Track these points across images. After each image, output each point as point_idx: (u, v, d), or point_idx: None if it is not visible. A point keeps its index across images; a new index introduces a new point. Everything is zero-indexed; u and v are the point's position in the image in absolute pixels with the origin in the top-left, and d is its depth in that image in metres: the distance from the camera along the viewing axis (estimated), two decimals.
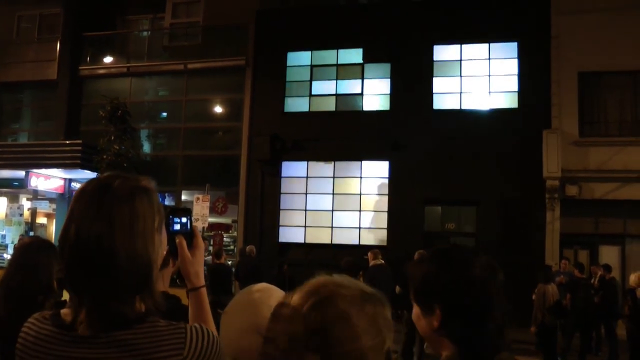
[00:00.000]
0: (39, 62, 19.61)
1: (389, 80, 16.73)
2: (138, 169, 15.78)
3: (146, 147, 19.29)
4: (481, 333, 1.52)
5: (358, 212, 16.54)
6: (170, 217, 1.58)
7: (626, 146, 14.49)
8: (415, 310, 1.61)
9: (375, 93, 16.91)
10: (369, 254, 10.14)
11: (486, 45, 16.07)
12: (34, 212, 18.46)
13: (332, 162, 16.81)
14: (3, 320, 2.44)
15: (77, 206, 1.32)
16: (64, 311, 1.33)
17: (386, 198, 16.29)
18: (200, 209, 14.27)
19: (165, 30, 19.42)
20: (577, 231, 14.67)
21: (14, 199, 19.52)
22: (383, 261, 9.95)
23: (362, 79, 17.02)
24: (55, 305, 1.37)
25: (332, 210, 16.70)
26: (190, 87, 18.73)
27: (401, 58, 16.49)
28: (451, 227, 15.99)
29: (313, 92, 17.38)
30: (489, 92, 15.94)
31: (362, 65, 17.06)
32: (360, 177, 16.61)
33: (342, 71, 17.22)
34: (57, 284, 2.62)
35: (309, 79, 17.45)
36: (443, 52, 16.38)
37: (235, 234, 17.95)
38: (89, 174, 16.41)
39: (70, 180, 18.28)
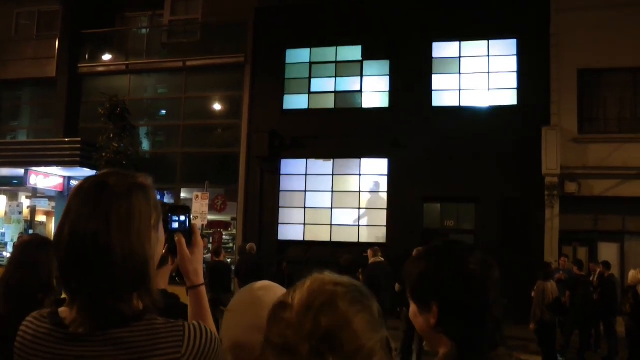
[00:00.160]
0: (38, 59, 19.60)
1: (388, 77, 16.72)
2: (137, 167, 15.76)
3: (145, 145, 19.29)
4: (478, 330, 1.52)
5: (357, 210, 16.55)
6: (169, 215, 1.58)
7: (625, 143, 14.50)
8: (412, 307, 1.61)
9: (374, 90, 16.90)
10: (369, 251, 10.15)
11: (485, 42, 16.05)
12: (33, 210, 18.45)
13: (331, 160, 16.81)
14: (3, 318, 2.44)
15: (73, 203, 1.32)
16: (62, 309, 1.32)
17: (385, 195, 16.30)
18: (200, 206, 14.27)
19: (164, 28, 19.40)
20: (576, 228, 14.68)
21: (13, 197, 19.52)
22: (383, 259, 9.96)
23: (361, 76, 17.01)
24: (55, 303, 1.37)
25: (331, 208, 16.70)
26: (189, 84, 18.72)
27: (400, 55, 16.47)
28: (450, 225, 15.99)
29: (312, 90, 17.37)
30: (488, 89, 15.94)
31: (361, 62, 17.05)
32: (360, 175, 16.61)
33: (341, 68, 17.20)
34: (57, 281, 2.62)
35: (307, 76, 17.44)
36: (442, 49, 16.37)
37: (234, 231, 17.95)
38: (88, 172, 16.38)
39: (70, 178, 18.29)
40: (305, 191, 16.96)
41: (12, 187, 18.88)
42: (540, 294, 9.52)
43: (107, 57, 19.71)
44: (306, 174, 17.00)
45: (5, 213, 18.37)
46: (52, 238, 1.63)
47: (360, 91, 17.00)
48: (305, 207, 16.91)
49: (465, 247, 1.64)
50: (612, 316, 11.20)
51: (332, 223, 16.63)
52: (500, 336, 1.57)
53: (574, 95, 15.00)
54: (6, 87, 20.42)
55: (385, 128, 15.94)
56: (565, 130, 14.69)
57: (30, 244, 2.78)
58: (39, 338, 1.30)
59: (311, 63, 17.47)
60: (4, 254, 16.94)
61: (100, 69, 19.66)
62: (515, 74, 15.74)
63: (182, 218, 1.60)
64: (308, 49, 17.48)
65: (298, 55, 17.55)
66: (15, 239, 15.50)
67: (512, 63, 15.81)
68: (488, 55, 16.05)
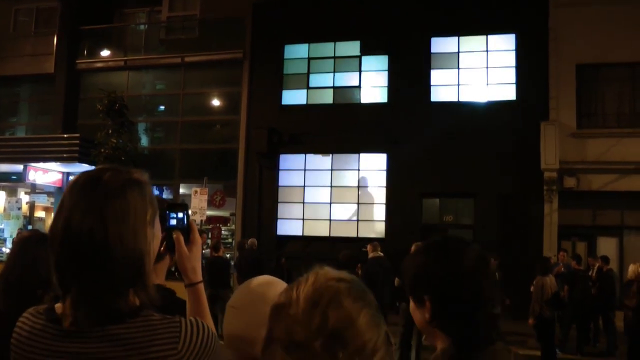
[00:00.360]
0: (36, 55, 19.57)
1: (386, 72, 16.69)
2: (135, 163, 15.74)
3: (144, 141, 19.27)
4: (472, 324, 1.52)
5: (356, 205, 16.56)
6: (167, 212, 1.58)
7: (624, 138, 14.50)
8: (411, 302, 1.62)
9: (372, 85, 16.88)
10: (368, 246, 10.15)
11: (484, 37, 16.04)
12: (32, 206, 18.45)
13: (330, 155, 16.80)
14: (2, 315, 2.44)
15: (68, 199, 1.32)
16: (58, 305, 1.32)
17: (384, 190, 16.30)
18: (198, 202, 14.28)
19: (163, 24, 19.37)
20: (575, 223, 14.69)
21: (12, 192, 19.54)
22: (382, 254, 9.96)
23: (360, 71, 16.99)
24: (54, 299, 1.37)
25: (330, 203, 16.70)
26: (188, 80, 18.69)
27: (399, 50, 16.45)
28: (449, 220, 16.00)
29: (310, 85, 17.35)
30: (487, 84, 15.93)
31: (359, 57, 17.03)
32: (358, 170, 16.61)
33: (340, 64, 17.18)
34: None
35: (306, 71, 17.42)
36: (441, 45, 16.35)
37: (233, 227, 17.97)
38: (87, 168, 16.35)
39: (68, 174, 18.28)
40: (304, 186, 16.95)
41: (11, 182, 18.90)
42: (540, 289, 9.52)
43: (105, 53, 19.69)
44: (305, 170, 16.99)
45: (4, 209, 18.38)
46: None
47: (359, 86, 16.98)
48: (304, 203, 16.91)
49: (462, 242, 1.64)
50: (610, 310, 11.22)
51: (331, 218, 16.64)
52: (497, 332, 1.57)
53: (572, 90, 15.00)
54: (5, 84, 20.37)
55: (384, 123, 15.93)
56: (564, 125, 14.69)
57: (30, 240, 2.78)
58: (34, 334, 1.30)
59: (309, 58, 17.45)
60: (3, 249, 16.94)
61: (99, 65, 19.63)
62: (513, 69, 15.73)
63: (180, 215, 1.59)
64: (306, 45, 17.45)
65: (296, 51, 17.52)
66: (15, 235, 15.49)
67: (510, 58, 15.80)
68: (486, 51, 16.03)
